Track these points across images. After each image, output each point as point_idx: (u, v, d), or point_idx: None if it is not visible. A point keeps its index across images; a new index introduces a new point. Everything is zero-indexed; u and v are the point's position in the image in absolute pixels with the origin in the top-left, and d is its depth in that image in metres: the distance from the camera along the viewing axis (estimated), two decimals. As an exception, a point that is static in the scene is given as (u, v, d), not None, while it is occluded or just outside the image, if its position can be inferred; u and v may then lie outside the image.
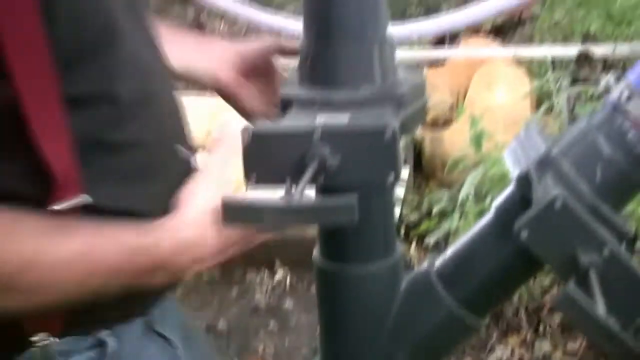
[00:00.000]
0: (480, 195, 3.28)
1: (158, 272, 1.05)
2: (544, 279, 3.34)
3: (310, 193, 1.03)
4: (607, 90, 1.25)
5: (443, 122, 4.96)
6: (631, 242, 1.17)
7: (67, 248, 0.95)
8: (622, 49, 4.69)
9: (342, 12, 1.21)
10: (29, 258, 0.93)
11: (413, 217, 3.78)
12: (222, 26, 9.71)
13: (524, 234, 1.07)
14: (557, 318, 3.18)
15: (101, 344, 1.10)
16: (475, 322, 1.33)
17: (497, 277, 1.31)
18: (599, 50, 4.72)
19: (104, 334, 1.10)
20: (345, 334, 1.37)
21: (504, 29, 7.01)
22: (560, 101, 4.17)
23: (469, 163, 3.63)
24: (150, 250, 1.02)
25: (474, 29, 5.83)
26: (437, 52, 5.28)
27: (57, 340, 1.06)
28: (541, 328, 3.16)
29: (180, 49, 1.32)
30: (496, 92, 4.60)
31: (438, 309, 1.32)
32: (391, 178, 1.06)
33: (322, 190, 1.12)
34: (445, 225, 3.21)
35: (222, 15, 9.95)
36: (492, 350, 3.10)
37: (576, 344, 3.03)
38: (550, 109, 4.09)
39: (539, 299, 3.28)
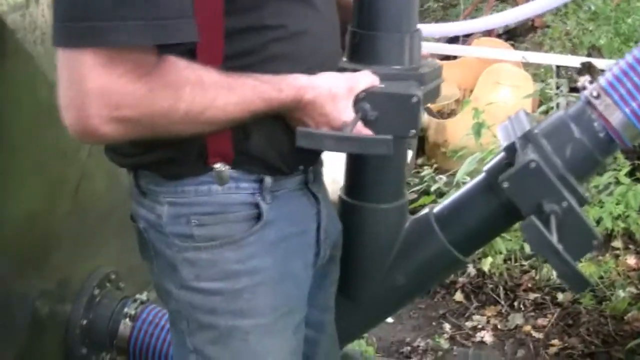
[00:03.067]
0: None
1: (283, 110, 1.38)
2: (524, 263, 3.69)
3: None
4: (583, 88, 1.60)
5: (448, 113, 5.28)
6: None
7: (230, 99, 1.31)
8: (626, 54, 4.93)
9: (383, 7, 1.57)
10: (209, 102, 1.30)
11: (412, 195, 4.10)
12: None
13: (505, 185, 1.43)
14: (531, 297, 3.53)
15: (262, 180, 1.46)
16: (461, 259, 1.69)
17: (482, 224, 1.67)
18: (602, 63, 5.00)
19: (266, 177, 1.46)
20: (359, 257, 1.73)
21: (516, 33, 7.32)
22: (558, 105, 4.46)
23: (468, 152, 3.95)
24: (280, 100, 1.36)
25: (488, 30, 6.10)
26: (450, 48, 5.59)
27: (229, 168, 1.43)
28: (516, 304, 3.51)
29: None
30: (501, 91, 4.86)
31: (433, 245, 1.69)
32: (412, 133, 1.42)
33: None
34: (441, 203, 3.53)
35: None
36: (469, 318, 3.44)
37: (545, 321, 3.38)
38: (548, 111, 4.38)
39: (517, 279, 3.63)
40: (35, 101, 1.88)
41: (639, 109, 1.51)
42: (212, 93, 1.31)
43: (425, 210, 1.71)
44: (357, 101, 1.40)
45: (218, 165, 1.43)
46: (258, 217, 1.48)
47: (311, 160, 1.57)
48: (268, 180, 1.47)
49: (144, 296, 2.18)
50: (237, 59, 1.37)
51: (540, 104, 4.86)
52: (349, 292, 1.77)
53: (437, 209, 1.71)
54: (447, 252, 1.67)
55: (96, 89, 1.24)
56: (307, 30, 1.46)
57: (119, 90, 1.25)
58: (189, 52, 1.33)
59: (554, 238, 1.30)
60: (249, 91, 1.35)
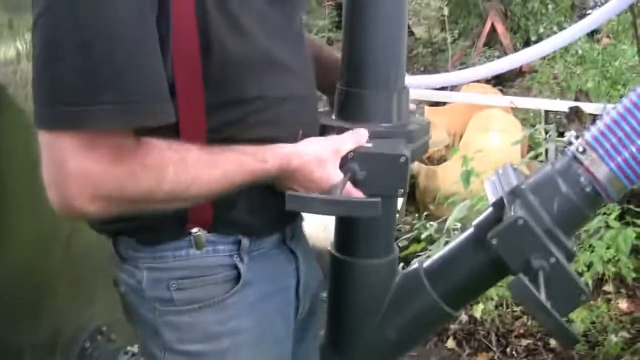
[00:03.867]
0: (465, 227, 3.61)
1: (270, 180, 1.41)
2: (515, 308, 3.69)
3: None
4: (569, 143, 1.62)
5: (438, 159, 5.32)
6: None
7: (213, 174, 1.34)
8: (610, 108, 4.99)
9: (371, 66, 1.60)
10: (192, 179, 1.33)
11: (402, 242, 4.12)
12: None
13: (494, 241, 1.45)
14: (524, 342, 3.53)
15: (239, 242, 1.49)
16: (451, 313, 1.70)
17: (471, 278, 1.68)
18: (590, 107, 5.05)
19: (243, 238, 1.48)
20: (349, 312, 1.74)
21: (504, 78, 7.39)
22: (547, 150, 4.50)
23: (458, 198, 3.97)
24: (264, 170, 1.39)
25: (476, 76, 6.16)
26: (439, 94, 5.64)
27: (207, 232, 1.45)
28: (509, 350, 3.51)
29: (323, 67, 1.68)
30: (490, 136, 4.92)
31: (423, 299, 1.70)
32: (400, 192, 1.45)
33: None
34: (432, 250, 3.56)
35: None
36: (462, 365, 3.45)
37: (538, 367, 3.39)
38: (537, 157, 4.42)
39: (509, 324, 3.64)
40: (28, 154, 1.89)
41: (624, 164, 1.53)
42: (194, 171, 1.34)
43: (415, 265, 1.73)
44: (346, 161, 1.42)
45: (195, 230, 1.46)
46: (236, 278, 1.50)
47: (290, 219, 1.60)
48: (245, 241, 1.50)
49: (135, 348, 2.18)
50: (219, 132, 1.40)
51: (530, 148, 4.89)
52: (340, 347, 1.77)
53: (426, 263, 1.72)
54: (437, 306, 1.68)
55: (76, 171, 1.27)
56: (288, 96, 1.49)
57: (99, 173, 1.28)
58: (172, 128, 1.35)
59: (542, 295, 1.32)
60: (231, 165, 1.37)
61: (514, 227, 1.44)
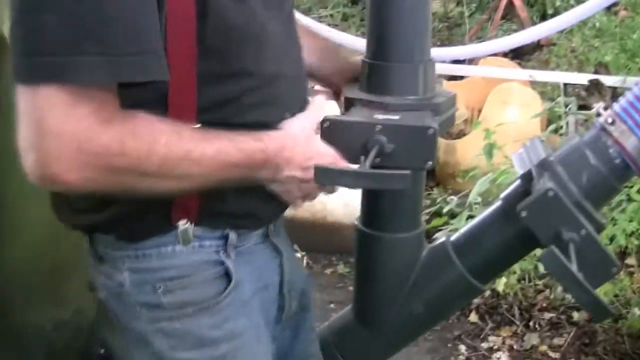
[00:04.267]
0: (487, 200, 3.61)
1: (265, 167, 1.33)
2: (538, 282, 3.68)
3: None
4: (598, 114, 1.60)
5: (457, 134, 5.28)
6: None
7: (207, 150, 1.24)
8: (632, 81, 4.98)
9: (397, 38, 1.58)
10: (184, 153, 1.22)
11: (424, 217, 4.10)
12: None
13: (524, 214, 1.44)
14: (547, 316, 3.52)
15: (226, 237, 1.40)
16: (478, 287, 1.70)
17: (499, 252, 1.67)
18: (610, 80, 5.02)
19: (230, 232, 1.40)
20: (376, 286, 1.73)
21: (522, 52, 7.33)
22: (568, 123, 4.48)
23: (479, 172, 3.95)
24: (261, 150, 1.31)
25: (494, 49, 6.13)
26: (457, 68, 5.61)
27: (193, 226, 1.35)
28: (531, 324, 3.51)
29: (309, 49, 1.61)
30: (509, 111, 4.88)
31: (450, 273, 1.69)
32: (429, 165, 1.43)
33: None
34: (453, 225, 3.56)
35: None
36: (485, 339, 3.43)
37: (562, 340, 3.38)
38: (557, 130, 4.39)
39: (532, 298, 3.63)
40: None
41: (654, 135, 1.52)
42: (187, 144, 1.25)
43: (442, 239, 1.72)
44: (374, 134, 1.41)
45: (183, 223, 1.36)
46: (224, 275, 1.41)
47: (278, 213, 1.53)
48: (233, 236, 1.41)
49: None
50: (211, 112, 1.32)
51: (549, 122, 4.86)
52: (367, 321, 1.77)
53: (453, 237, 1.71)
54: (465, 280, 1.67)
55: (57, 129, 1.16)
56: (282, 75, 1.42)
57: (82, 133, 1.17)
58: (160, 102, 1.27)
59: (574, 267, 1.31)
60: (226, 142, 1.29)
61: (543, 199, 1.43)
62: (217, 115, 1.32)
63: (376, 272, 1.72)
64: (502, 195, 1.66)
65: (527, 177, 1.56)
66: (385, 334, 1.77)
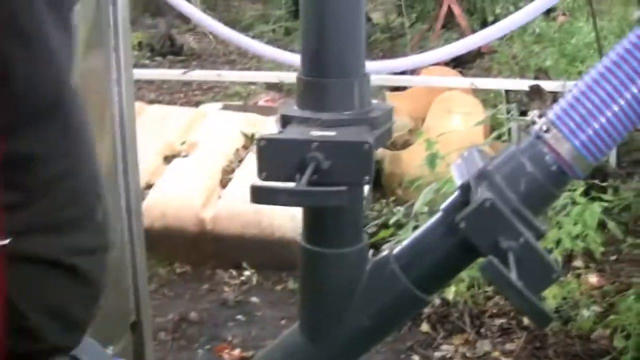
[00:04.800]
0: (433, 210, 3.63)
1: None
2: (487, 289, 3.71)
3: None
4: (533, 122, 1.62)
5: (402, 144, 5.31)
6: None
7: None
8: (571, 85, 5.03)
9: (330, 54, 1.58)
10: None
11: (371, 229, 4.12)
12: (191, 40, 10.04)
13: (462, 224, 1.44)
14: (497, 322, 3.55)
15: None
16: (424, 299, 1.70)
17: (443, 263, 1.67)
18: (550, 85, 5.09)
19: None
20: (322, 302, 1.72)
21: (464, 60, 7.40)
22: (510, 130, 4.53)
23: (424, 182, 3.98)
24: None
25: (436, 59, 6.18)
26: (399, 79, 5.65)
27: None
28: (483, 331, 3.53)
29: None
30: (452, 119, 4.93)
31: (395, 286, 1.68)
32: (366, 180, 1.43)
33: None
34: (400, 235, 3.58)
35: (191, 29, 10.30)
36: (437, 348, 3.46)
37: (513, 345, 3.41)
38: (500, 137, 4.44)
39: (482, 305, 3.66)
40: None
41: (588, 141, 1.53)
42: None
43: (385, 252, 1.71)
44: (310, 151, 1.40)
45: None
46: None
47: None
48: None
49: (110, 350, 2.15)
50: None
51: (492, 129, 4.91)
52: (315, 338, 1.76)
53: (397, 250, 1.71)
54: (410, 293, 1.67)
55: None
56: None
57: None
58: None
59: (513, 276, 1.31)
60: None
61: (481, 210, 1.44)
62: None
63: (321, 288, 1.72)
64: (442, 206, 1.66)
65: (466, 188, 1.57)
66: (334, 350, 1.76)
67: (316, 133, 1.47)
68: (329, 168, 1.40)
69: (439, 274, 1.71)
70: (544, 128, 1.57)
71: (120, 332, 2.58)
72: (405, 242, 1.72)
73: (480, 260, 1.48)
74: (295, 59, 4.78)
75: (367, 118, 1.57)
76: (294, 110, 1.60)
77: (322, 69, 1.58)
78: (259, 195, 1.31)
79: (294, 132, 1.50)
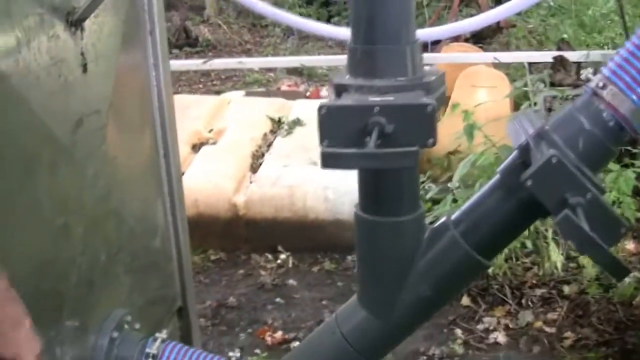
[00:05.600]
0: (467, 184, 3.62)
1: None
2: (525, 260, 3.69)
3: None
4: (587, 79, 1.61)
5: (428, 121, 5.29)
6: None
7: None
8: (595, 55, 5.03)
9: (384, 21, 1.57)
10: None
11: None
12: (205, 32, 10.02)
13: (529, 183, 1.43)
14: (538, 292, 3.53)
15: None
16: (485, 263, 1.69)
17: (502, 226, 1.67)
18: (573, 55, 5.06)
19: None
20: (381, 273, 1.72)
21: (482, 36, 7.37)
22: (538, 102, 4.49)
23: (457, 156, 3.97)
24: None
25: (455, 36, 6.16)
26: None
27: None
28: (524, 302, 3.52)
29: None
30: (478, 93, 4.90)
31: (455, 252, 1.68)
32: (430, 142, 1.43)
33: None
34: (437, 210, 3.57)
35: (205, 20, 10.28)
36: (480, 321, 3.45)
37: (555, 315, 3.39)
38: (530, 108, 4.41)
39: (521, 276, 3.64)
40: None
41: (646, 94, 1.52)
42: None
43: (443, 218, 1.71)
44: (372, 116, 1.40)
45: None
46: None
47: None
48: None
49: (163, 334, 2.15)
50: None
51: (516, 103, 4.89)
52: (375, 308, 1.76)
53: (454, 216, 1.70)
54: (470, 258, 1.67)
55: None
56: None
57: None
58: None
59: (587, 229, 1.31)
60: None
61: (548, 166, 1.43)
62: None
63: (379, 258, 1.71)
64: (499, 169, 1.66)
65: (524, 148, 1.56)
66: (395, 321, 1.76)
67: (376, 98, 1.46)
68: (393, 132, 1.39)
69: (498, 237, 1.71)
70: (600, 84, 1.56)
71: (167, 317, 2.59)
72: (462, 208, 1.72)
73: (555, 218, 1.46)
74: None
75: (421, 83, 1.56)
76: (347, 79, 1.59)
77: (375, 37, 1.57)
78: (330, 161, 1.31)
79: (352, 99, 1.49)
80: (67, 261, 1.94)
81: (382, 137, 1.38)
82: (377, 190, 1.67)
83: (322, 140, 1.43)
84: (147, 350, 2.07)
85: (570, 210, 1.37)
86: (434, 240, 1.70)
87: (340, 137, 1.41)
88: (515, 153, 1.61)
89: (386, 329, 1.78)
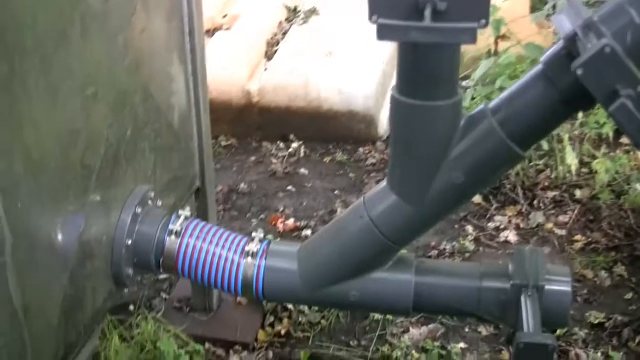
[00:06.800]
0: (485, 82, 3.59)
1: None
2: (539, 162, 3.68)
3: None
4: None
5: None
6: None
7: None
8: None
9: None
10: None
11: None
12: None
13: (579, 72, 1.41)
14: (550, 195, 3.53)
15: None
16: (520, 154, 1.68)
17: (541, 116, 1.65)
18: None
19: None
20: (414, 157, 1.71)
21: None
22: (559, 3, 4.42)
23: (471, 57, 3.92)
24: None
25: None
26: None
27: None
28: (536, 203, 3.52)
29: None
30: (499, -7, 4.82)
31: (491, 141, 1.67)
32: (483, 23, 1.40)
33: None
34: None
35: None
36: (491, 219, 3.45)
37: (567, 218, 3.40)
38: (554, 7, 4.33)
39: (534, 178, 3.64)
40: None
41: (702, -12, 1.49)
42: None
43: (481, 106, 1.69)
44: None
45: None
46: None
47: None
48: None
49: (187, 211, 2.15)
50: None
51: (532, 6, 4.80)
52: (407, 194, 1.76)
53: (493, 104, 1.69)
54: (506, 147, 1.66)
55: None
56: None
57: None
58: None
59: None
60: None
61: (601, 56, 1.41)
62: None
63: (414, 142, 1.70)
64: (542, 59, 1.63)
65: (572, 38, 1.53)
66: (425, 206, 1.76)
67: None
68: (446, 10, 1.36)
69: (536, 128, 1.69)
70: (651, -23, 1.52)
71: (186, 197, 2.59)
72: (501, 96, 1.70)
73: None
74: None
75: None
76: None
77: None
78: (386, 32, 1.28)
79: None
80: (96, 133, 1.93)
81: (435, 15, 1.35)
82: (416, 73, 1.64)
83: (371, 15, 1.40)
84: (171, 227, 2.08)
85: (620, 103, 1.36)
86: (471, 128, 1.69)
87: (391, 13, 1.38)
88: (560, 43, 1.58)
89: (416, 215, 1.78)
